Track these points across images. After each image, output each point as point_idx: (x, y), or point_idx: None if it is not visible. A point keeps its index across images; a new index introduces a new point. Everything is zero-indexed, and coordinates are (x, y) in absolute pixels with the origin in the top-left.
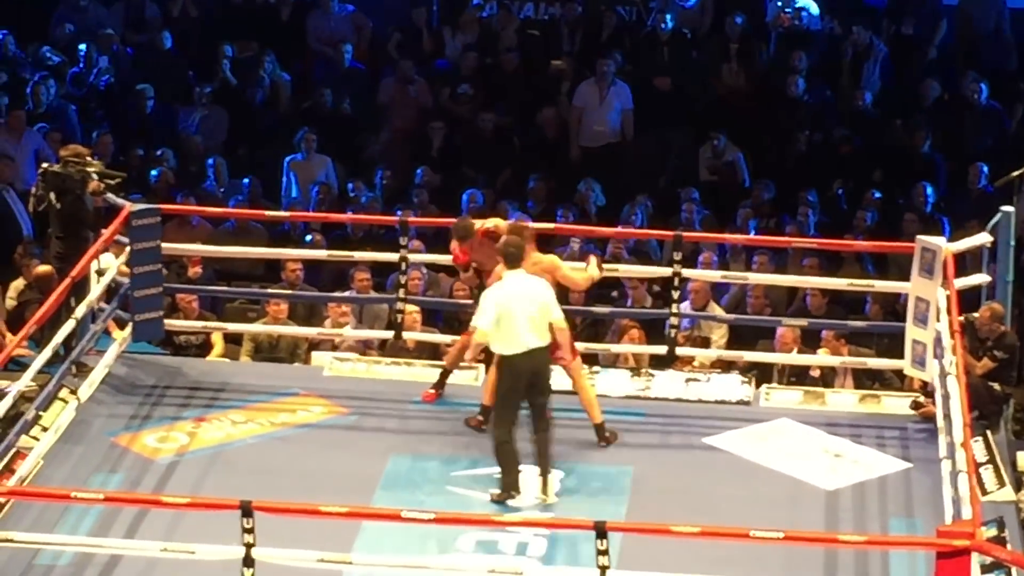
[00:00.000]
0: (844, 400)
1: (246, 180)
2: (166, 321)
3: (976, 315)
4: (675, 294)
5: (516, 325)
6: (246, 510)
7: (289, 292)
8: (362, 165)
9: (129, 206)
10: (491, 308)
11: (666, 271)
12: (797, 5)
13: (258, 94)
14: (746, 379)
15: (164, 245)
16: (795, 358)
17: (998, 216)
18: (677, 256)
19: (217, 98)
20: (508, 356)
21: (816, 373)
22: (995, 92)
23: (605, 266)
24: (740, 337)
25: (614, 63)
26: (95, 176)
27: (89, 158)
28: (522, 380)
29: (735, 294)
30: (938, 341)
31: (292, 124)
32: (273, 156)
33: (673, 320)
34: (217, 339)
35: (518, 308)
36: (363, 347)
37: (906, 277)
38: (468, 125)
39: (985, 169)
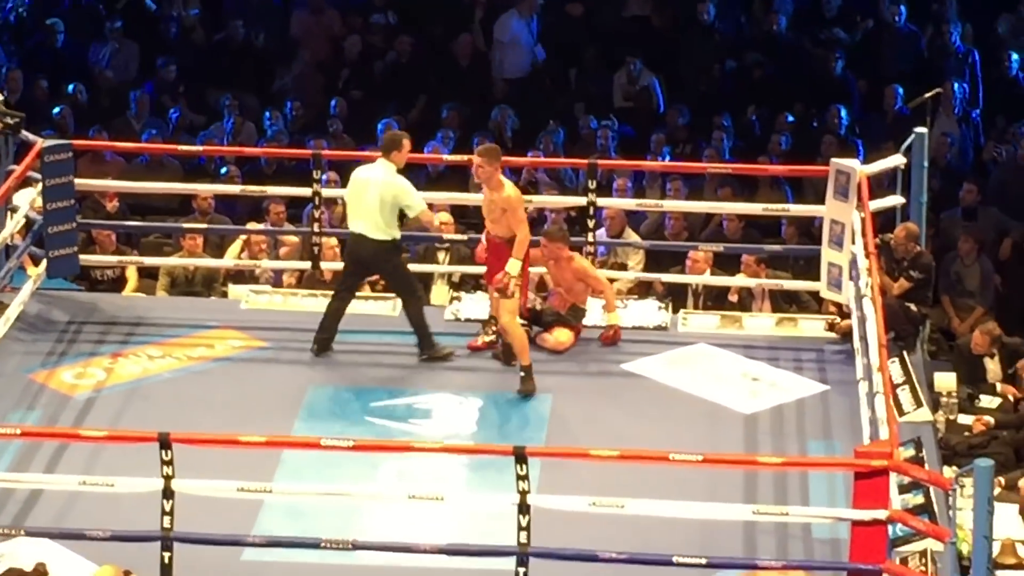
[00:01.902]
0: (761, 324)
1: (174, 112)
2: (82, 256)
3: (892, 236)
4: (591, 222)
5: (351, 206)
6: (164, 442)
7: (205, 226)
8: (275, 97)
9: (41, 142)
10: None
11: (581, 200)
12: None
13: (171, 27)
14: (663, 305)
15: (77, 181)
16: (712, 280)
17: (912, 137)
18: (592, 184)
19: (128, 32)
20: None
21: (734, 298)
22: (909, 13)
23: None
24: (657, 262)
25: None
26: None
27: None
28: (347, 258)
29: (652, 219)
30: (853, 263)
31: (204, 57)
32: (187, 89)
33: (589, 248)
34: (131, 273)
35: (358, 191)
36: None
37: (821, 200)
38: (381, 54)
39: (900, 91)
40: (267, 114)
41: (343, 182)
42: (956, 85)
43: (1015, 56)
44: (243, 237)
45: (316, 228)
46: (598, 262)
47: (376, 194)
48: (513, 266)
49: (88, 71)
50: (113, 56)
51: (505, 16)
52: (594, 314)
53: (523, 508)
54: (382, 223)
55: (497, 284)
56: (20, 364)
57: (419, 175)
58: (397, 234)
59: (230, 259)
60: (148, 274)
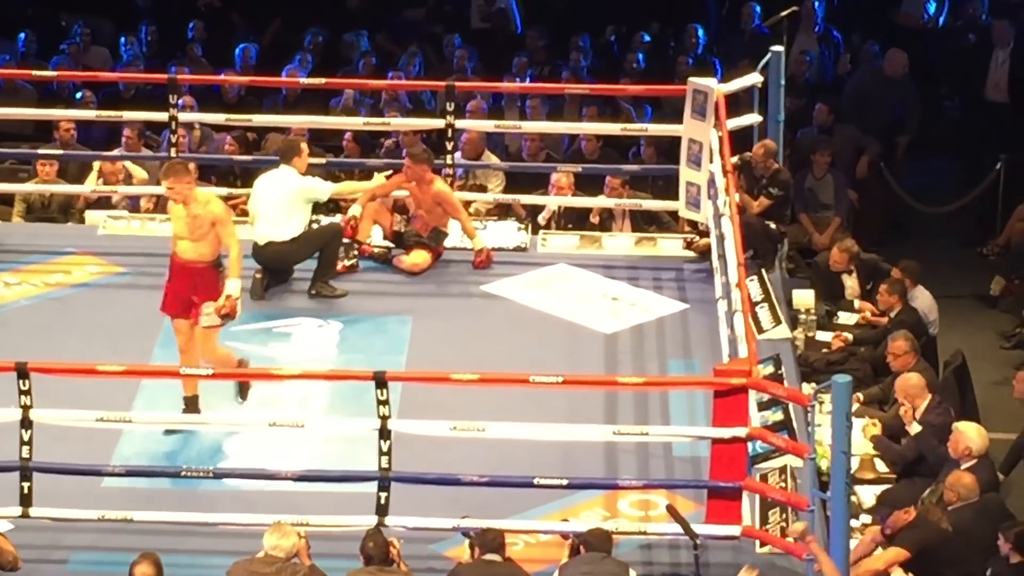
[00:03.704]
0: (620, 243)
1: (22, 34)
2: None
3: (751, 154)
4: (449, 144)
5: (257, 213)
6: (22, 372)
7: (60, 152)
8: (133, 20)
9: None
10: None
11: (439, 123)
12: None
13: None
14: (522, 225)
15: None
16: (572, 201)
17: (768, 56)
18: (450, 107)
19: None
20: None
21: (595, 219)
22: None
23: (377, 119)
24: (517, 183)
25: None
26: None
27: None
28: (262, 267)
29: (513, 141)
30: (711, 182)
31: None
32: (45, 14)
33: (448, 170)
34: None
35: (265, 197)
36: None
37: (679, 119)
38: None
39: (758, 9)
40: (123, 39)
41: (200, 105)
42: (815, 3)
43: None
44: (100, 163)
45: (174, 153)
46: (457, 184)
47: (286, 198)
48: (235, 287)
49: None
50: None
51: None
52: (455, 236)
53: (384, 433)
54: (289, 222)
55: (223, 312)
56: None
57: (276, 99)
58: (304, 226)
59: (87, 185)
60: (3, 200)
